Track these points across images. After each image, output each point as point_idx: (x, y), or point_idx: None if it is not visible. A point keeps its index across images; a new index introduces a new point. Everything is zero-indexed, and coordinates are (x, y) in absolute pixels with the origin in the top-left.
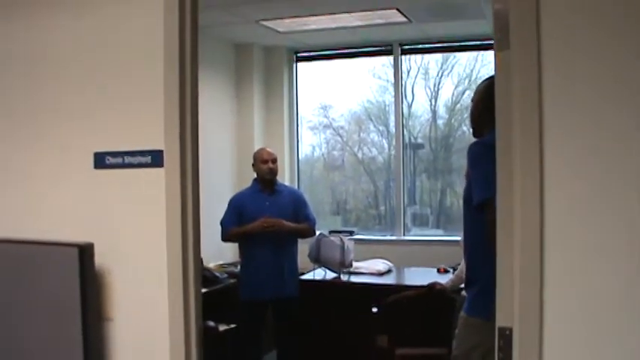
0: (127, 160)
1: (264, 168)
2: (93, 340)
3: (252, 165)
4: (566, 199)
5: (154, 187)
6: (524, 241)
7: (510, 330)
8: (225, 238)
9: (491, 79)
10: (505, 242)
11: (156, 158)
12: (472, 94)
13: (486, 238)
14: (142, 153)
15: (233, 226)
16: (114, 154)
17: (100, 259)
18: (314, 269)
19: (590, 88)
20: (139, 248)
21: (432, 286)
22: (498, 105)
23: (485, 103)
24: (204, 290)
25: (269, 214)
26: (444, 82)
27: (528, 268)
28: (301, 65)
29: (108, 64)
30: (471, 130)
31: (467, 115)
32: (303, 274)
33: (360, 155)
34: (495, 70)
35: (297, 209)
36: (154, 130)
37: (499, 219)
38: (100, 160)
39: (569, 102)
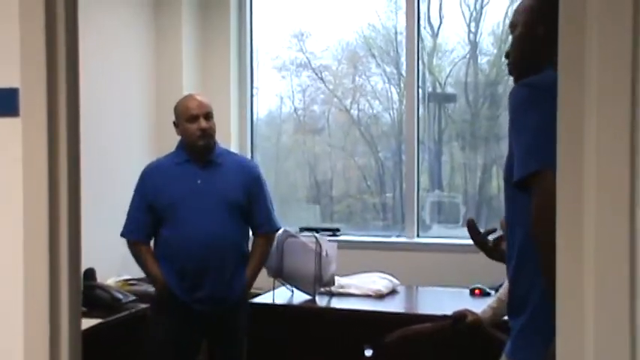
0: None
1: (193, 129)
2: None
3: (174, 124)
4: None
5: (4, 149)
6: (601, 243)
7: None
8: (130, 248)
9: None
10: (568, 243)
11: (7, 101)
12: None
13: (531, 234)
14: None
15: (141, 234)
16: None
17: None
18: (274, 288)
19: None
20: None
21: (460, 317)
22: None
23: (545, 24)
24: (99, 321)
25: (201, 201)
26: None
27: (608, 286)
28: None
29: None
30: (513, 75)
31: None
32: (257, 295)
33: (355, 112)
34: None
35: (250, 196)
36: (3, 58)
37: (560, 205)
38: None
39: None
